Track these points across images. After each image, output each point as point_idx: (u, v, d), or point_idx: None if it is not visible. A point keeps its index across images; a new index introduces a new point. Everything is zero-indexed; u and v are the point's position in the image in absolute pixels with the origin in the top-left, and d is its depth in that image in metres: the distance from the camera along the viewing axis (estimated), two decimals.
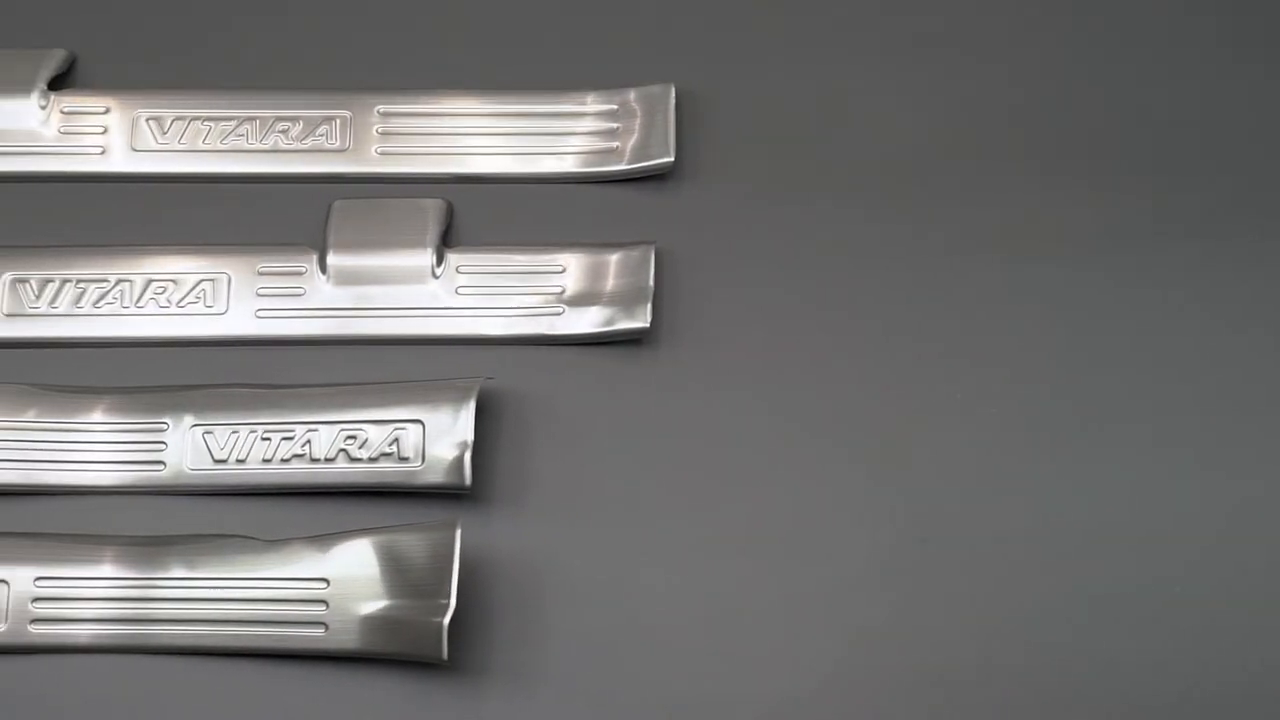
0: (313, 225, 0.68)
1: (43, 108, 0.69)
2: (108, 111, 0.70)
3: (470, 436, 0.61)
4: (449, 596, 0.57)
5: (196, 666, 0.60)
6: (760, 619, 0.61)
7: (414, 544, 0.58)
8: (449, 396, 0.62)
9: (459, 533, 0.57)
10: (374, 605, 0.58)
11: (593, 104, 0.69)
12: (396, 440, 0.62)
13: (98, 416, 0.63)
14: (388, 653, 0.58)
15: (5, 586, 0.60)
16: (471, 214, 0.68)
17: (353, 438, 0.62)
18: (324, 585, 0.59)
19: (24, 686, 0.60)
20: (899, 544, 0.62)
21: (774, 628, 0.61)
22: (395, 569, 0.58)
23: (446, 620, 0.56)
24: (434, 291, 0.66)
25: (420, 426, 0.61)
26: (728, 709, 0.60)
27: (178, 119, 0.70)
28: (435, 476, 0.61)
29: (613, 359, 0.65)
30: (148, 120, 0.70)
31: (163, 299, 0.66)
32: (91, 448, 0.63)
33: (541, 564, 0.61)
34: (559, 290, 0.66)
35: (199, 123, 0.70)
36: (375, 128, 0.70)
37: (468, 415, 0.61)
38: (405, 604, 0.58)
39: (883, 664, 0.60)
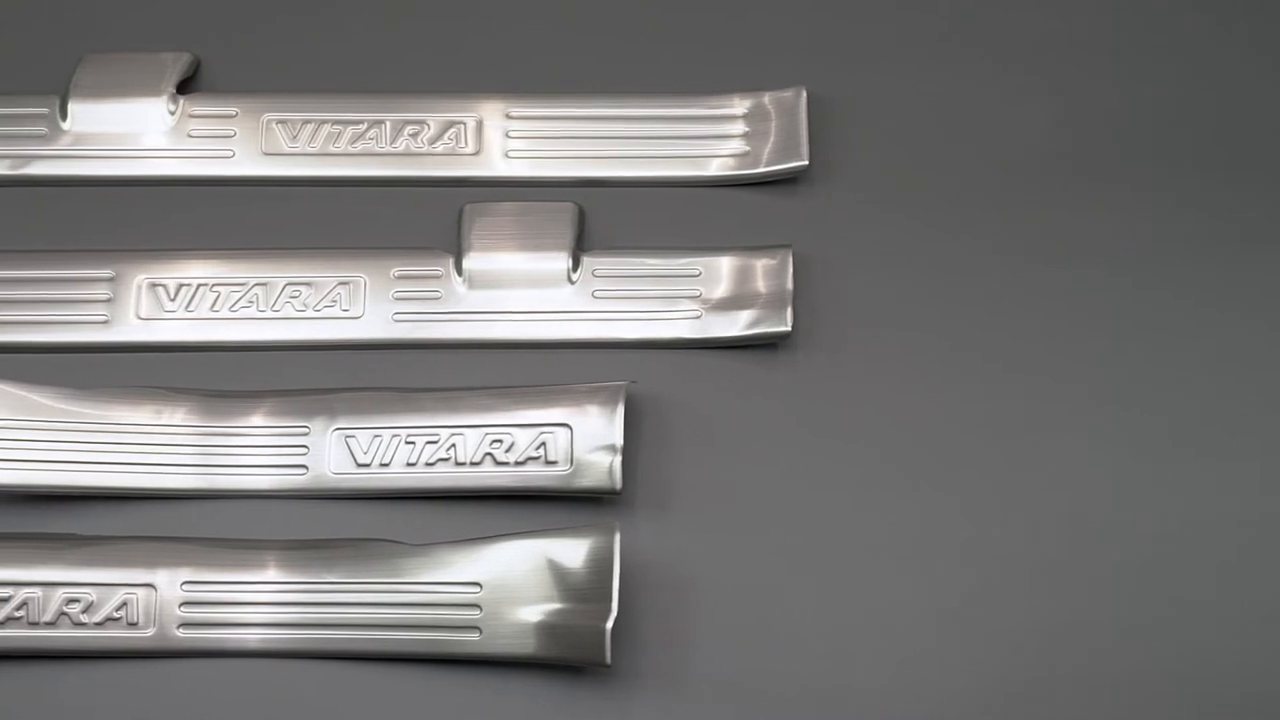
0: (442, 229, 0.68)
1: (171, 112, 0.69)
2: (236, 115, 0.70)
3: (620, 440, 0.61)
4: (611, 601, 0.56)
5: (346, 671, 0.60)
6: (906, 622, 0.61)
7: (570, 548, 0.58)
8: (597, 400, 0.62)
9: (618, 536, 0.57)
10: (529, 610, 0.58)
11: (723, 108, 0.69)
12: (544, 444, 0.61)
13: (237, 421, 0.63)
14: (546, 657, 0.58)
15: (152, 591, 0.60)
16: (601, 218, 0.68)
17: (499, 441, 0.62)
18: (477, 589, 0.59)
19: (171, 691, 0.60)
20: (1043, 546, 0.62)
21: (920, 630, 0.61)
22: (551, 573, 0.58)
23: (609, 625, 0.56)
24: (570, 295, 0.66)
25: (568, 430, 0.61)
26: (875, 711, 0.60)
27: (306, 122, 0.70)
28: (585, 481, 0.61)
29: (750, 362, 0.65)
30: (276, 124, 0.69)
31: (298, 303, 0.66)
32: (231, 452, 0.63)
33: (686, 567, 0.61)
34: (696, 294, 0.65)
35: (327, 126, 0.69)
36: (504, 131, 0.69)
37: (617, 419, 0.61)
38: (563, 608, 0.58)
39: (1030, 665, 0.60)
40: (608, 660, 0.56)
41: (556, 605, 0.58)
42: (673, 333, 0.65)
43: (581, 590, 0.57)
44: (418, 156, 0.69)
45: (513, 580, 0.58)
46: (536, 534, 0.59)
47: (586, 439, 0.61)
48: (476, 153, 0.69)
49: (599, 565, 0.57)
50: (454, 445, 0.62)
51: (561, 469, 0.61)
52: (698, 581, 0.61)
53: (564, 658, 0.58)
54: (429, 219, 0.69)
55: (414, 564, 0.60)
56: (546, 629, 0.58)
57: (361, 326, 0.66)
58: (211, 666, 0.60)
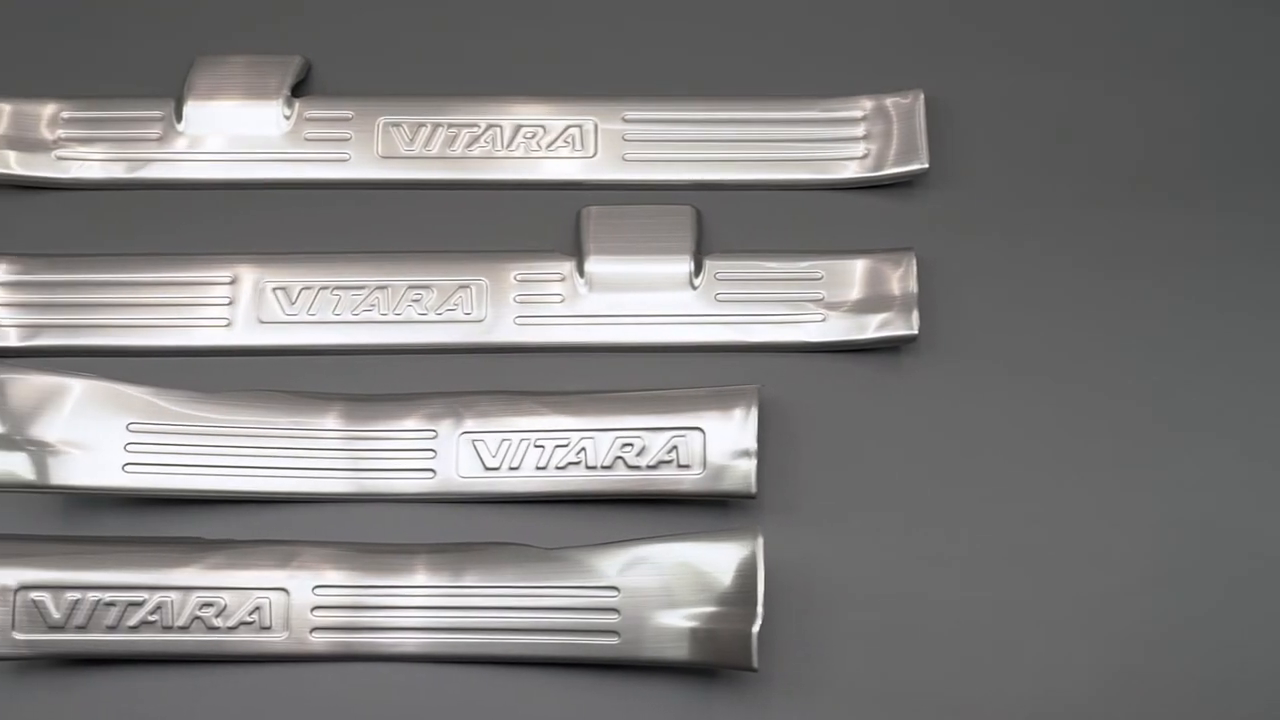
0: (558, 231, 0.68)
1: (287, 116, 0.69)
2: (351, 118, 0.70)
3: (754, 444, 0.61)
4: (756, 605, 0.56)
5: (480, 675, 0.60)
6: (1033, 624, 0.61)
7: (712, 552, 0.58)
8: (730, 404, 0.61)
9: (761, 541, 0.57)
10: (669, 614, 0.58)
11: (841, 111, 0.69)
12: (676, 448, 0.61)
13: (363, 425, 0.63)
14: (688, 661, 0.58)
15: (285, 595, 0.60)
16: (718, 221, 0.68)
17: (630, 445, 0.62)
18: (614, 594, 0.59)
19: (303, 696, 0.60)
20: (1177, 549, 0.62)
21: (1046, 632, 0.61)
22: (691, 578, 0.58)
23: (755, 629, 0.56)
24: (693, 299, 0.65)
25: (701, 434, 0.61)
26: (1004, 713, 0.59)
27: (422, 125, 0.69)
28: (719, 485, 0.61)
29: (873, 366, 0.65)
30: (392, 127, 0.69)
31: (420, 306, 0.66)
32: (357, 456, 0.63)
33: (817, 570, 0.61)
34: (819, 298, 0.65)
35: (443, 129, 0.69)
36: (622, 134, 0.69)
37: (750, 423, 0.61)
38: (704, 612, 0.58)
39: (1167, 669, 0.60)
40: (755, 665, 0.56)
41: (698, 609, 0.58)
42: (797, 336, 0.65)
43: (723, 595, 0.57)
44: (535, 160, 0.69)
45: (652, 585, 0.58)
46: (675, 538, 0.59)
47: (720, 443, 0.61)
48: (594, 156, 0.69)
49: (742, 570, 0.57)
50: (584, 449, 0.62)
51: (694, 473, 0.61)
52: (828, 585, 0.61)
53: (707, 662, 0.57)
54: (545, 222, 0.68)
55: (549, 568, 0.59)
56: (687, 633, 0.58)
57: (483, 330, 0.65)
58: (344, 671, 0.60)
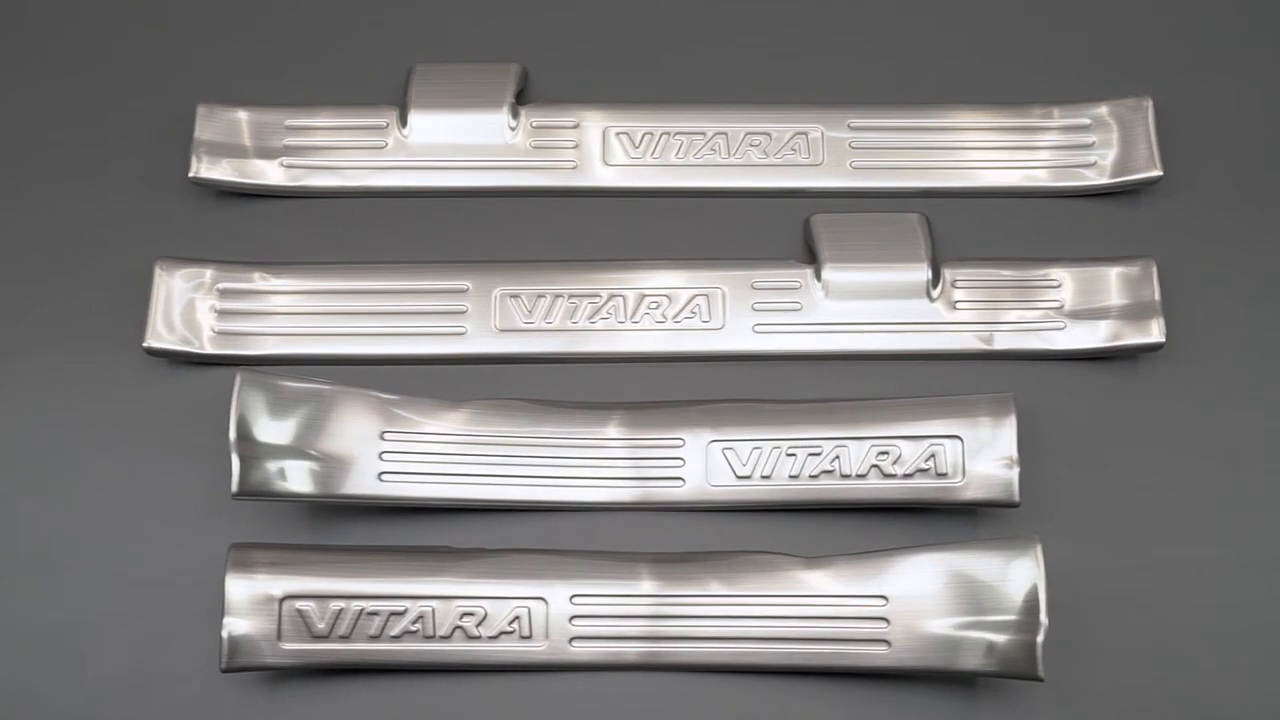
0: (781, 238, 0.68)
1: (513, 124, 0.69)
2: (576, 126, 0.69)
3: (1015, 452, 0.60)
4: (1039, 614, 0.56)
5: (744, 683, 0.60)
6: None
7: (987, 561, 0.58)
8: (987, 411, 0.61)
9: (1039, 549, 0.57)
10: (941, 622, 0.58)
11: (1068, 118, 0.69)
12: (933, 456, 0.61)
13: (610, 433, 0.63)
14: (966, 670, 0.57)
15: (544, 604, 0.60)
16: (943, 228, 0.68)
17: (885, 454, 0.61)
18: (883, 603, 0.58)
19: (567, 705, 0.60)
20: None
21: None
22: (965, 586, 0.58)
23: (1040, 639, 0.56)
24: (931, 306, 0.65)
25: (958, 442, 0.61)
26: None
27: (647, 133, 0.69)
28: (979, 493, 0.61)
29: (1112, 373, 0.65)
30: (617, 135, 0.69)
31: (657, 314, 0.66)
32: (607, 464, 0.63)
33: (1070, 577, 0.61)
34: (1057, 305, 0.65)
35: (669, 137, 0.69)
36: (847, 142, 0.69)
37: (1010, 430, 0.61)
38: (981, 621, 0.57)
39: None
40: (1041, 674, 0.56)
41: (973, 618, 0.57)
42: (1038, 344, 0.65)
43: (1000, 603, 0.57)
44: (761, 168, 0.69)
45: (923, 593, 0.58)
46: (947, 547, 0.58)
47: (980, 451, 0.61)
48: (819, 164, 0.69)
49: (1019, 578, 0.57)
50: (838, 457, 0.62)
51: (953, 481, 0.61)
52: (1082, 593, 0.61)
53: (987, 671, 0.57)
54: (769, 230, 0.68)
55: (813, 577, 0.59)
56: (961, 642, 0.57)
57: (722, 338, 0.65)
58: (603, 680, 0.60)
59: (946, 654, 0.58)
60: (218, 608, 0.59)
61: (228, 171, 0.68)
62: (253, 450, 0.59)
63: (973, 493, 0.61)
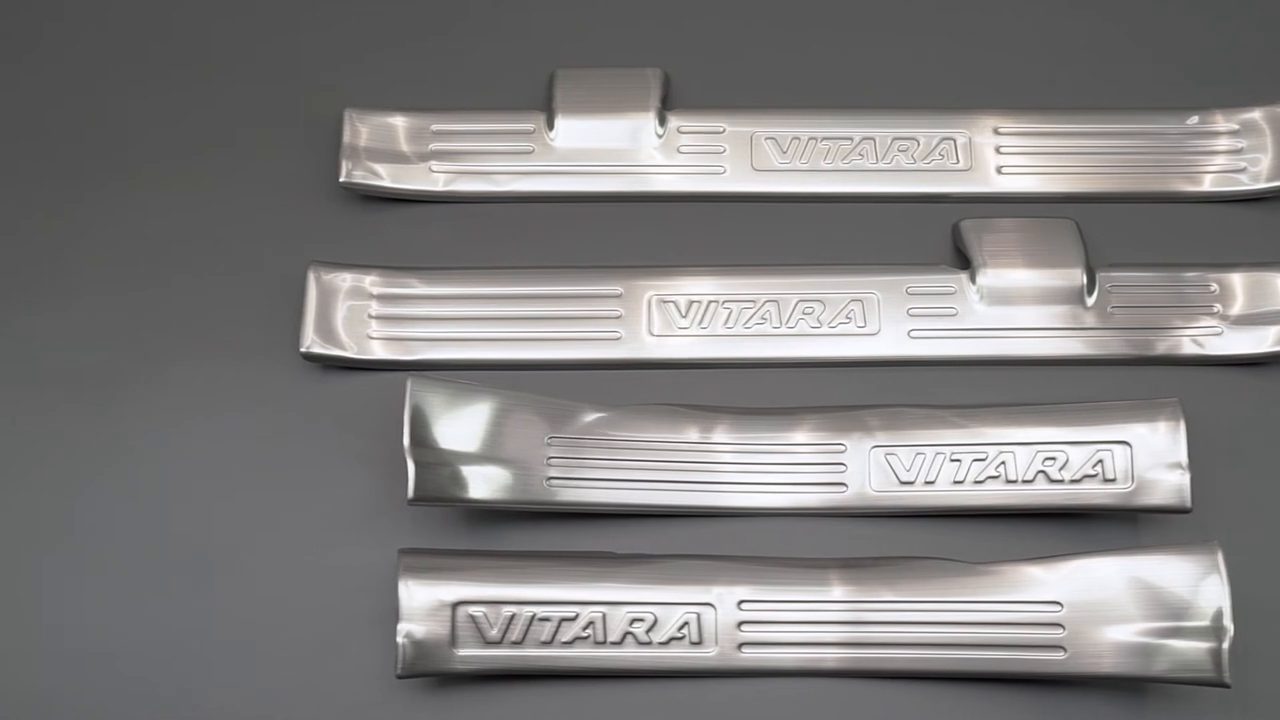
0: (934, 244, 0.68)
1: (660, 130, 0.69)
2: (724, 131, 0.69)
3: (1185, 457, 0.60)
4: (1224, 620, 0.56)
5: (913, 690, 0.59)
6: None
7: (1166, 567, 0.57)
8: (1155, 417, 0.61)
9: (1221, 555, 0.57)
10: (1120, 629, 0.57)
11: (1214, 123, 0.69)
12: (1101, 461, 0.61)
13: (770, 438, 0.63)
14: (1148, 676, 0.57)
15: (712, 610, 0.59)
16: (1093, 233, 0.67)
17: (1052, 459, 0.61)
18: (1058, 608, 0.58)
19: (733, 711, 0.59)
20: None
21: None
22: (1144, 592, 0.57)
23: (1226, 645, 0.56)
24: (1086, 312, 0.65)
25: (1127, 448, 0.61)
26: None
27: (795, 138, 0.69)
28: (1148, 498, 0.60)
29: (1268, 378, 0.65)
30: (766, 140, 0.69)
31: (812, 319, 0.65)
32: (767, 469, 0.62)
33: (1245, 580, 0.60)
34: (1214, 310, 0.65)
35: (816, 142, 0.69)
36: (995, 146, 0.69)
37: (1180, 435, 0.60)
38: (1162, 627, 0.57)
39: None
40: (1228, 680, 0.56)
41: (1154, 624, 0.57)
42: (1195, 350, 0.65)
43: (1181, 609, 0.57)
44: (908, 172, 0.69)
45: (1100, 599, 0.58)
46: (1123, 552, 0.58)
47: (1148, 456, 0.60)
48: (968, 169, 0.69)
49: (1201, 584, 0.57)
50: (1003, 463, 0.61)
51: (1122, 487, 0.61)
52: (1250, 596, 0.60)
53: (1171, 677, 0.57)
54: (915, 234, 0.68)
55: (983, 583, 0.59)
56: (1142, 648, 0.57)
57: (878, 343, 0.65)
58: (774, 686, 0.59)
59: (1127, 660, 0.57)
60: (382, 613, 0.59)
61: (377, 176, 0.68)
62: (425, 455, 0.59)
63: (1143, 498, 0.60)
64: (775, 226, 0.68)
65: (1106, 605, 0.58)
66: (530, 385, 0.63)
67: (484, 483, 0.60)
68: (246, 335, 0.66)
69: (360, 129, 0.68)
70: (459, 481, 0.60)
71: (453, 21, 0.73)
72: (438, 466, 0.59)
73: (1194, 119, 0.69)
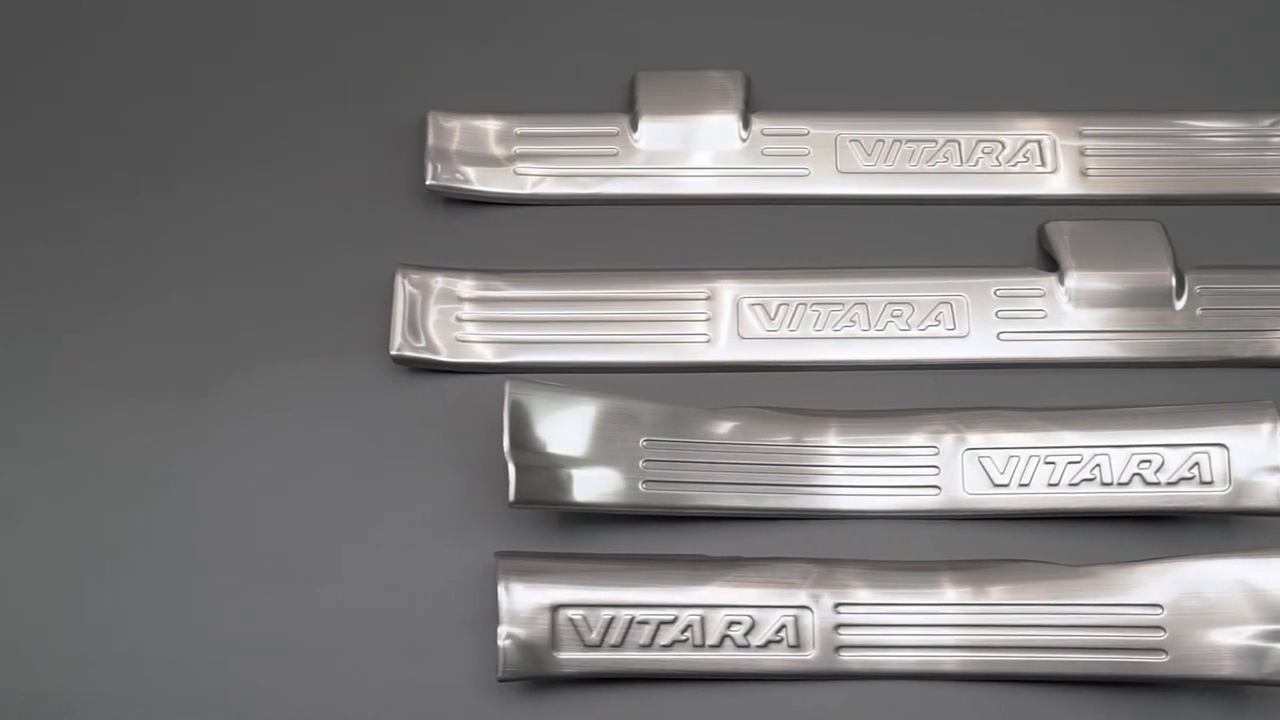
0: (1013, 245, 0.68)
1: (744, 132, 0.69)
2: (808, 134, 0.69)
3: None
4: None
5: (1008, 693, 0.59)
6: None
7: (1271, 569, 0.57)
8: (1253, 419, 0.61)
9: None
10: (1223, 632, 0.57)
11: None
12: (1197, 464, 0.61)
13: (862, 441, 0.63)
14: (1250, 679, 0.57)
15: (810, 613, 0.59)
16: (1181, 234, 0.67)
17: (1147, 462, 0.61)
18: (1158, 611, 0.58)
19: (833, 714, 0.59)
20: None
21: None
22: (1248, 594, 0.57)
23: None
24: (1175, 314, 0.65)
25: (1224, 450, 0.61)
26: None
27: (879, 140, 0.69)
28: (1247, 501, 0.60)
29: None
30: (850, 142, 0.69)
31: (901, 322, 0.65)
32: (860, 472, 0.62)
33: None
34: None
35: (901, 144, 0.69)
36: (1079, 149, 0.69)
37: (1277, 439, 0.60)
38: (1267, 630, 0.57)
39: None
40: None
41: (1258, 627, 0.57)
42: None
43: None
44: (993, 175, 0.69)
45: (1202, 602, 0.58)
46: (1225, 555, 0.58)
47: (1247, 459, 0.60)
48: (1053, 171, 0.69)
49: None
50: (1098, 465, 0.61)
51: (1219, 489, 0.60)
52: None
53: (1274, 680, 0.57)
54: (1000, 236, 0.68)
55: (1083, 585, 0.59)
56: (1246, 651, 0.57)
57: (967, 346, 0.65)
58: (874, 689, 0.59)
59: (1229, 663, 0.57)
60: (477, 616, 0.59)
61: (465, 178, 0.68)
62: (525, 458, 0.59)
63: (1243, 501, 0.60)
64: (859, 229, 0.68)
65: (1210, 608, 0.58)
66: (620, 388, 0.63)
67: (582, 485, 0.60)
68: (333, 337, 0.66)
69: (444, 131, 0.68)
70: (558, 484, 0.60)
71: (531, 23, 0.73)
72: (537, 469, 0.59)
73: (1267, 121, 0.69)
